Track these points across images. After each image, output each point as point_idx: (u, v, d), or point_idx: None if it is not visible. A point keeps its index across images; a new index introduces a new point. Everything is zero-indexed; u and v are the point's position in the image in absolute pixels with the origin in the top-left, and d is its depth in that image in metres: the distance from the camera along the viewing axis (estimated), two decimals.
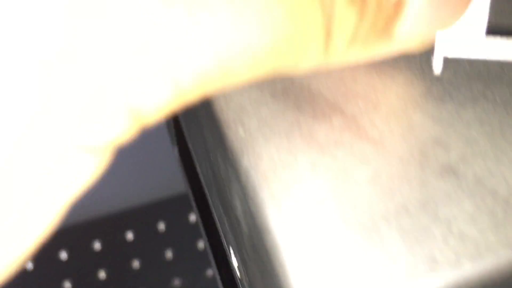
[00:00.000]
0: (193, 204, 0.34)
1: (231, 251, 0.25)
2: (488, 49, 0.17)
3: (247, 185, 0.16)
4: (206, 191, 0.28)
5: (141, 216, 0.58)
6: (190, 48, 0.12)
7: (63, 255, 0.57)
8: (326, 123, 0.17)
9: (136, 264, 0.58)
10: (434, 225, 0.15)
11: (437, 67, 0.18)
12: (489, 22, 0.17)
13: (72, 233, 0.53)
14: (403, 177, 0.16)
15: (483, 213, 0.15)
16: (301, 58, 0.13)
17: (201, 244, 0.58)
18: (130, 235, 0.58)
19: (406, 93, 0.18)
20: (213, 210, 0.27)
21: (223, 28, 0.12)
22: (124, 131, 0.12)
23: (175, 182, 0.52)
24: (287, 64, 0.13)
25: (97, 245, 0.58)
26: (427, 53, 0.18)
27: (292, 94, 0.18)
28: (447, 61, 0.19)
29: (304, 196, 0.16)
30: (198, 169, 0.29)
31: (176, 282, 0.58)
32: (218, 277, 0.31)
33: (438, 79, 0.18)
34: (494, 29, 0.17)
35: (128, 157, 0.44)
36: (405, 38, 0.16)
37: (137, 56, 0.12)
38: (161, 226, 0.59)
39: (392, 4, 0.14)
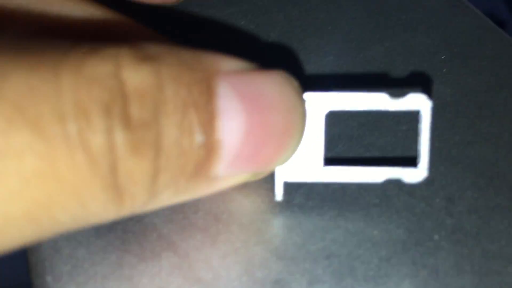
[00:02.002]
0: None
1: None
2: (325, 176, 0.16)
3: None
4: None
5: None
6: None
7: None
8: (153, 263, 0.15)
9: None
10: None
11: (278, 193, 0.16)
12: (325, 155, 0.16)
13: None
14: None
15: None
16: (81, 217, 0.12)
17: None
18: None
19: (251, 225, 0.16)
20: None
21: None
22: None
23: None
24: (62, 225, 0.11)
25: None
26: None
27: (119, 229, 0.16)
28: (294, 186, 0.17)
29: None
30: None
31: None
32: None
33: (288, 204, 0.17)
34: (330, 161, 0.16)
35: None
36: (228, 176, 0.14)
37: None
38: None
39: (201, 147, 0.13)
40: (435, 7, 0.24)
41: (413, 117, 0.19)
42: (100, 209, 0.12)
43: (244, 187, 0.17)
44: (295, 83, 0.14)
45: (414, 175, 0.16)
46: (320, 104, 0.16)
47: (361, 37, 0.22)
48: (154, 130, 0.12)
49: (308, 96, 0.15)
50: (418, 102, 0.15)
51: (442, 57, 0.22)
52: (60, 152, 0.10)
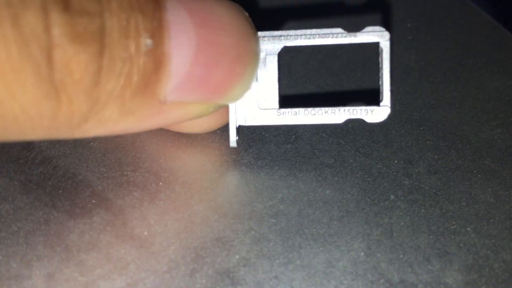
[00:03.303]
0: None
1: None
2: (281, 118, 0.15)
3: None
4: None
5: None
6: None
7: None
8: (84, 220, 0.14)
9: None
10: None
11: (232, 138, 0.15)
12: (280, 94, 0.15)
13: None
14: (166, 287, 0.13)
15: None
16: (11, 111, 0.10)
17: None
18: None
19: (194, 183, 0.15)
20: None
21: None
22: None
23: None
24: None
25: None
26: (226, 132, 0.16)
27: (49, 184, 0.15)
28: (247, 139, 0.16)
29: None
30: None
31: None
32: None
33: (236, 163, 0.16)
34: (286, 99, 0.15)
35: None
36: (178, 103, 0.13)
37: None
38: None
39: (148, 56, 0.11)
40: None
41: (371, 49, 0.18)
42: (30, 104, 0.10)
43: (189, 144, 0.16)
44: (246, 13, 0.14)
45: (377, 113, 0.15)
46: (273, 41, 0.15)
47: None
48: (96, 22, 0.11)
49: (261, 33, 0.15)
50: (377, 35, 0.14)
51: (408, 25, 0.21)
52: None
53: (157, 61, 0.12)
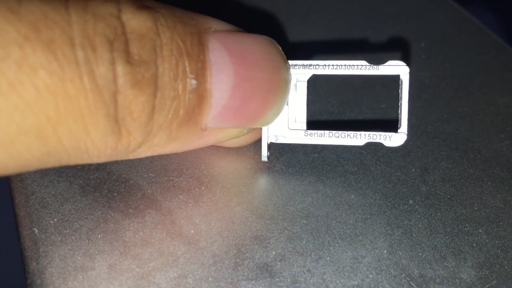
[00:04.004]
0: None
1: None
2: (308, 138, 0.17)
3: None
4: None
5: None
6: None
7: None
8: (137, 219, 0.16)
9: None
10: None
11: (264, 153, 0.17)
12: (308, 119, 0.17)
13: None
14: (212, 279, 0.14)
15: None
16: (82, 144, 0.12)
17: None
18: None
19: (233, 186, 0.17)
20: None
21: None
22: None
23: None
24: (64, 151, 0.12)
25: None
26: (260, 143, 0.18)
27: (105, 188, 0.16)
28: (279, 149, 0.18)
29: None
30: None
31: None
32: None
33: (269, 170, 0.17)
34: (313, 124, 0.17)
35: None
36: (217, 129, 0.15)
37: None
38: None
39: (193, 93, 0.13)
40: (416, 1, 0.25)
41: (392, 84, 0.20)
42: (99, 139, 0.12)
43: (227, 153, 0.18)
44: (279, 47, 0.15)
45: (395, 139, 0.16)
46: (303, 70, 0.16)
47: (343, 24, 0.23)
48: (152, 69, 0.12)
49: (292, 62, 0.16)
50: (397, 69, 0.16)
51: (422, 45, 0.23)
52: (69, 73, 0.11)
53: (200, 97, 0.14)
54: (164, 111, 0.13)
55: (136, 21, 0.12)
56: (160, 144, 0.14)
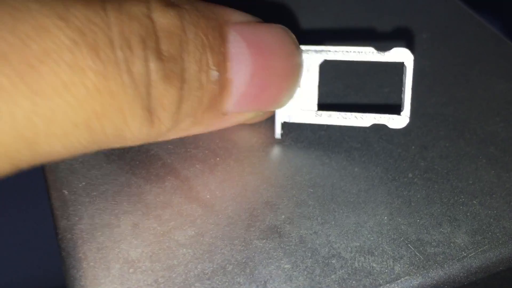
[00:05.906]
0: None
1: None
2: (319, 118, 0.18)
3: (61, 245, 0.15)
4: None
5: None
6: None
7: None
8: (158, 185, 0.17)
9: None
10: (249, 284, 0.14)
11: (277, 131, 0.18)
12: (319, 102, 0.18)
13: None
14: (227, 238, 0.16)
15: (300, 272, 0.15)
16: (121, 132, 0.13)
17: None
18: None
19: (246, 158, 0.18)
20: None
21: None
22: None
23: None
24: (106, 139, 0.13)
25: None
26: (271, 120, 0.19)
27: (128, 157, 0.18)
28: (288, 127, 0.19)
29: (119, 257, 0.15)
30: None
31: None
32: None
33: (279, 145, 0.19)
34: (323, 106, 0.18)
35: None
36: (237, 113, 0.16)
37: None
38: None
39: (215, 83, 0.15)
40: None
41: (396, 69, 0.21)
42: (136, 127, 0.14)
43: (241, 129, 0.19)
44: (292, 35, 0.17)
45: (398, 121, 0.18)
46: (315, 55, 0.18)
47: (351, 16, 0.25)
48: (179, 64, 0.14)
49: (305, 48, 0.18)
50: (402, 55, 0.18)
51: (424, 36, 0.24)
52: (112, 72, 0.13)
53: (221, 86, 0.15)
54: (190, 101, 0.14)
55: (164, 19, 0.14)
56: (186, 128, 0.15)
